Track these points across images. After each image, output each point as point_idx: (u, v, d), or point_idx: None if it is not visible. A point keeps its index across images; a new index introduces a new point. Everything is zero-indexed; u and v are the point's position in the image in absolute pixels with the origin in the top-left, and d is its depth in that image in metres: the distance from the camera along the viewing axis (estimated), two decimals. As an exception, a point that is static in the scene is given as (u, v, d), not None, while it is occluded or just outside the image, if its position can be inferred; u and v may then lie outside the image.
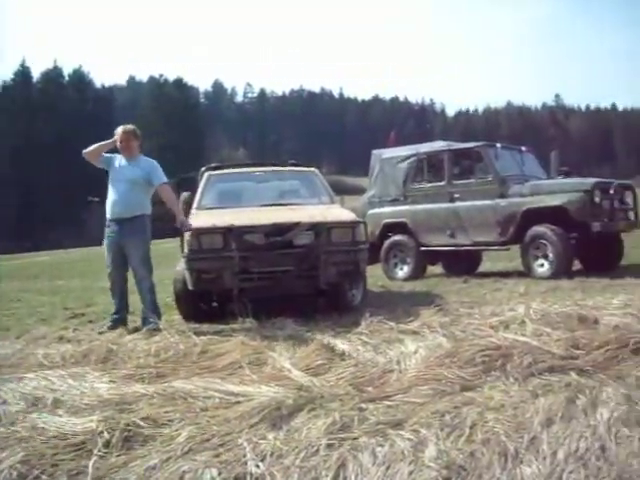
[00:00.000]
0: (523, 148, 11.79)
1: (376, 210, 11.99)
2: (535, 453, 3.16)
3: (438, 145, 12.00)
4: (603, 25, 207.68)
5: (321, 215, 7.33)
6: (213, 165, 9.29)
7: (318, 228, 7.05)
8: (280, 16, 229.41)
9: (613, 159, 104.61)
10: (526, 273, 10.07)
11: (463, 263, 12.02)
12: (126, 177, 6.87)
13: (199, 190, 8.36)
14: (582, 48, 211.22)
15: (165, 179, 6.97)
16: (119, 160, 7.01)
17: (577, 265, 10.80)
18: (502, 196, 10.44)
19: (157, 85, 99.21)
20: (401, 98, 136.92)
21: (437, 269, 12.48)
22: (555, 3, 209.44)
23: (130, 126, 7.03)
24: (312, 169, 9.08)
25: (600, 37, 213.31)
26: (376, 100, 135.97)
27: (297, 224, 7.02)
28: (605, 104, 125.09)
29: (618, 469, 2.93)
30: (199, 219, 7.34)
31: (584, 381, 4.14)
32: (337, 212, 7.72)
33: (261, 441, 3.34)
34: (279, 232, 6.98)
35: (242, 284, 6.93)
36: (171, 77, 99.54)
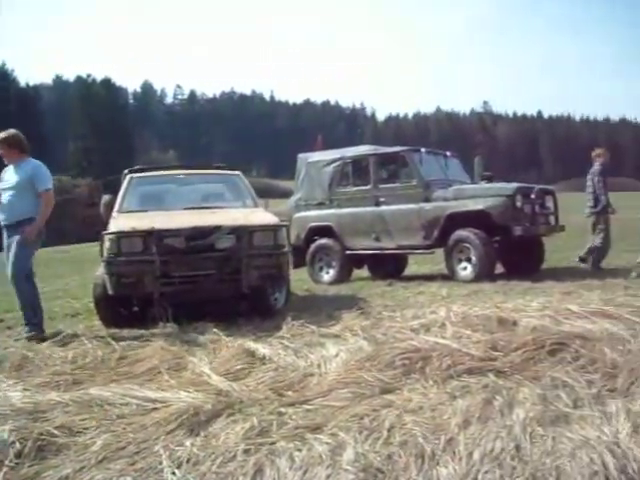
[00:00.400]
0: (448, 153, 11.94)
1: (302, 213, 11.96)
2: (452, 454, 3.18)
3: (363, 149, 12.05)
4: (529, 35, 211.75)
5: (243, 218, 7.29)
6: (136, 167, 9.14)
7: (240, 232, 7.00)
8: (210, 16, 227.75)
9: (539, 165, 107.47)
10: (450, 276, 10.19)
11: (389, 266, 12.11)
12: (10, 183, 6.70)
13: (120, 193, 8.22)
14: (509, 56, 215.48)
15: (48, 185, 6.76)
16: (9, 168, 6.86)
17: (500, 268, 10.99)
18: (426, 200, 10.53)
19: (84, 85, 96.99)
20: (332, 102, 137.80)
21: (363, 272, 12.53)
22: (483, 11, 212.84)
23: (2, 134, 6.83)
24: (236, 172, 9.01)
25: (526, 47, 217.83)
26: (307, 104, 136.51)
27: (218, 227, 6.96)
28: (532, 111, 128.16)
29: (532, 468, 2.99)
30: (119, 222, 7.22)
31: (502, 382, 4.20)
32: (260, 216, 7.69)
33: (178, 448, 3.30)
34: (200, 235, 6.91)
35: (163, 288, 6.84)
36: (99, 77, 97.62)
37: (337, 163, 11.67)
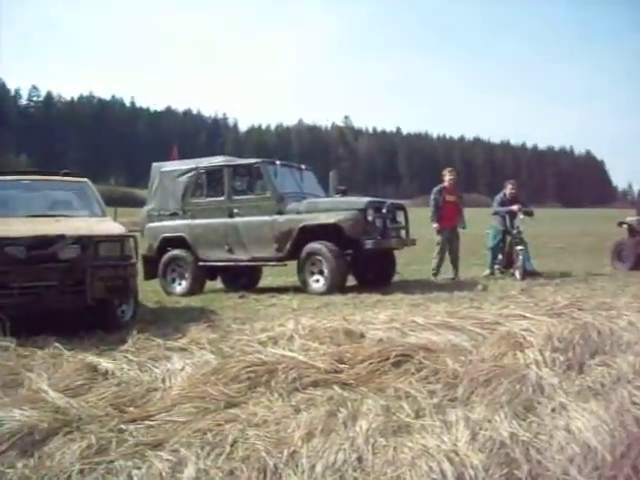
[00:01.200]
0: (302, 166, 12.03)
1: (155, 224, 11.70)
2: (294, 467, 3.16)
3: (218, 160, 11.92)
4: (389, 52, 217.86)
5: (89, 228, 7.04)
6: (-23, 172, 8.65)
7: (85, 241, 6.76)
8: (69, 15, 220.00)
9: (398, 179, 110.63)
10: (302, 289, 10.23)
11: (243, 278, 12.04)
12: None
13: (-40, 199, 7.76)
14: (370, 73, 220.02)
15: None
16: None
17: (353, 281, 11.16)
18: (280, 213, 10.55)
19: None
20: (194, 111, 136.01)
21: (217, 284, 12.40)
22: (345, 28, 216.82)
23: None
24: (84, 180, 8.70)
25: (386, 64, 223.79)
26: (169, 111, 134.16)
27: (62, 237, 6.68)
28: (391, 127, 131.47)
29: (373, 478, 3.05)
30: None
31: (346, 394, 4.23)
32: (106, 225, 7.47)
33: (8, 470, 3.14)
34: (43, 245, 6.61)
35: (1, 300, 6.46)
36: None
37: (191, 173, 11.50)
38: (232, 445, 3.42)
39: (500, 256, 12.25)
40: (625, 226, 14.05)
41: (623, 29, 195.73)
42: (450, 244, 12.00)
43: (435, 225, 11.97)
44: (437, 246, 11.99)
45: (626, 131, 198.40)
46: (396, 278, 11.56)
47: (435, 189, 12.26)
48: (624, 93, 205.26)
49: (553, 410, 4.32)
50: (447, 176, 12.21)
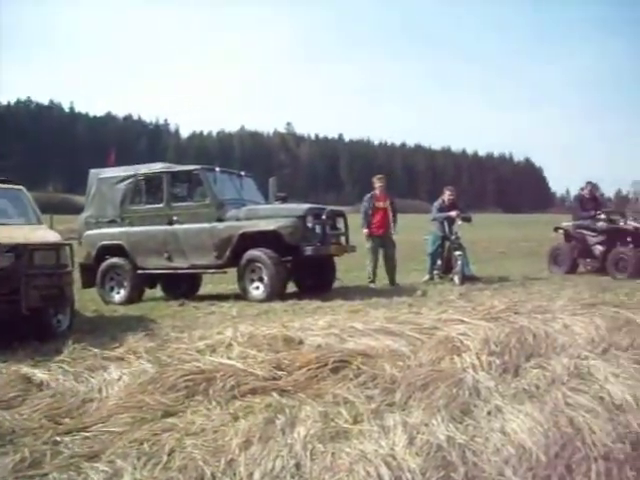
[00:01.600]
0: (242, 173, 11.97)
1: (93, 231, 11.49)
2: (232, 476, 3.16)
3: (157, 167, 11.78)
4: (334, 59, 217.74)
5: (23, 236, 6.88)
6: None
7: (19, 250, 6.60)
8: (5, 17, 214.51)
9: (339, 186, 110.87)
10: (243, 296, 10.17)
11: (182, 286, 11.90)
12: None
13: None
14: (313, 80, 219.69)
15: None
16: None
17: (293, 288, 11.16)
18: (219, 220, 10.47)
19: None
20: (135, 116, 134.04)
21: (157, 292, 12.26)
22: (285, 36, 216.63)
23: None
24: (19, 187, 8.49)
25: (327, 72, 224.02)
26: (109, 117, 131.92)
27: None
28: (333, 134, 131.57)
29: (311, 484, 3.01)
30: None
31: (285, 401, 4.23)
32: (41, 233, 7.32)
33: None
34: (-25, 253, 6.44)
35: None
36: None
37: (129, 180, 11.34)
38: (169, 455, 3.40)
39: (439, 261, 12.38)
40: (561, 231, 14.35)
41: (568, 41, 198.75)
42: (385, 251, 12.11)
43: (365, 231, 12.07)
44: (369, 253, 12.07)
45: (564, 138, 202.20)
46: (336, 284, 11.59)
47: (366, 197, 12.42)
48: (562, 102, 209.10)
49: (489, 413, 4.38)
50: (376, 183, 12.35)
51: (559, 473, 4.05)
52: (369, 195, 12.35)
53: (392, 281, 11.97)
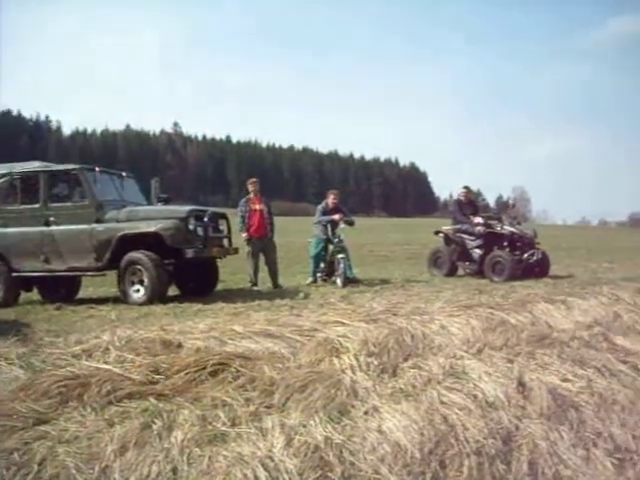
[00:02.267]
0: (124, 173, 11.72)
1: (-36, 233, 10.98)
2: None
3: (33, 165, 11.39)
4: (220, 59, 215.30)
5: None
6: None
7: None
8: None
9: (227, 187, 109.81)
10: (123, 299, 9.95)
11: (60, 289, 11.54)
12: None
13: None
14: (202, 77, 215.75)
15: None
16: None
17: (176, 290, 11.02)
18: (99, 221, 10.22)
19: None
20: (14, 112, 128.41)
21: (35, 295, 11.83)
22: (172, 33, 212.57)
23: None
24: None
25: (215, 70, 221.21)
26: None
27: None
28: (221, 135, 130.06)
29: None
30: None
31: (162, 405, 4.17)
32: None
33: None
34: None
35: None
36: None
37: (4, 179, 10.91)
38: (40, 464, 3.32)
39: (322, 264, 12.51)
40: (441, 235, 14.73)
41: (444, 51, 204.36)
42: (265, 255, 12.16)
43: (244, 235, 12.11)
44: (248, 256, 12.09)
45: (448, 143, 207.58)
46: (220, 287, 11.53)
47: (241, 201, 12.54)
48: (446, 107, 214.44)
49: (366, 412, 4.46)
50: (250, 187, 12.46)
51: (433, 469, 4.18)
52: (244, 199, 12.47)
53: (275, 284, 12.00)
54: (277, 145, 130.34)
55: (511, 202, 77.70)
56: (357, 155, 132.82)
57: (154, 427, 3.81)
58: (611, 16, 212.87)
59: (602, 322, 8.26)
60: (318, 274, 12.56)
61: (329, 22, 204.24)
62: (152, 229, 9.91)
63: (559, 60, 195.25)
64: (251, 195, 12.38)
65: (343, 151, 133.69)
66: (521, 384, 5.61)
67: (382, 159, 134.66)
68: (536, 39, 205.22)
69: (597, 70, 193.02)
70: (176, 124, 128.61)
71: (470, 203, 14.68)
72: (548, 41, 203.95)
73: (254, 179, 12.75)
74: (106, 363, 4.93)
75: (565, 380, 6.07)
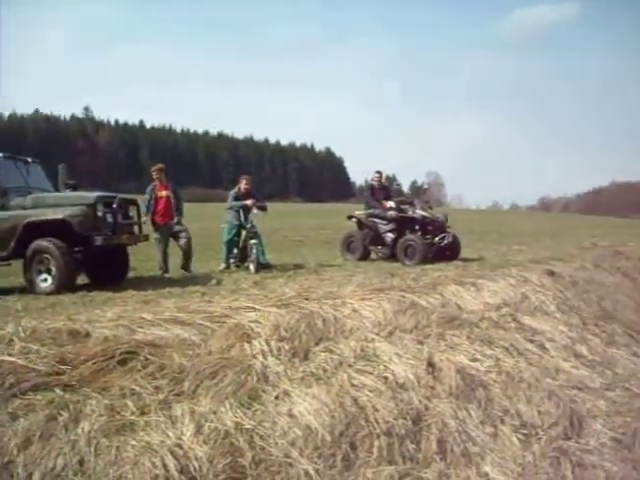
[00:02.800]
0: (29, 159, 11.35)
1: None
2: (9, 477, 3.02)
3: None
4: (134, 42, 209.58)
5: None
6: None
7: None
8: None
9: (141, 174, 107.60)
10: (29, 289, 9.65)
11: (-36, 280, 11.13)
12: None
13: None
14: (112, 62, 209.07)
15: None
16: None
17: (85, 279, 10.77)
18: (3, 208, 9.87)
19: None
20: None
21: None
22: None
23: None
24: None
25: (132, 54, 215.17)
26: None
27: None
28: (134, 120, 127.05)
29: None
30: None
31: (68, 396, 4.09)
32: None
33: None
34: None
35: None
36: None
37: None
38: None
39: (235, 250, 12.44)
40: (354, 220, 14.83)
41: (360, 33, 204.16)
42: (177, 240, 12.02)
43: (144, 219, 11.80)
44: (156, 243, 11.92)
45: (363, 129, 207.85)
46: (131, 275, 11.33)
47: (148, 187, 12.34)
48: (361, 91, 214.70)
49: (277, 397, 4.48)
50: (154, 174, 12.29)
51: (344, 451, 4.23)
52: (150, 186, 12.26)
53: (187, 270, 11.86)
54: (192, 130, 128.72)
55: (425, 186, 78.93)
56: (273, 140, 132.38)
57: (60, 419, 3.74)
58: (518, 7, 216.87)
59: (510, 303, 8.52)
60: (231, 260, 12.49)
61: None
62: (59, 216, 9.60)
63: (476, 49, 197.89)
64: (157, 182, 12.20)
65: (258, 136, 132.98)
66: (431, 365, 5.73)
67: (298, 144, 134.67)
68: (454, 27, 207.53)
69: (507, 58, 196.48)
70: (87, 109, 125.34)
71: (383, 188, 14.81)
72: (465, 29, 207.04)
73: (159, 166, 12.50)
74: (10, 355, 4.77)
75: (474, 360, 6.24)
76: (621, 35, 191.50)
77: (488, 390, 5.79)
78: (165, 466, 3.41)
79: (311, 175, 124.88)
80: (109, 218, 10.08)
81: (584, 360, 7.38)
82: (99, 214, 9.77)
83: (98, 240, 9.66)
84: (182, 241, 11.98)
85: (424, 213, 13.67)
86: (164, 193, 12.06)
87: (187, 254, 11.96)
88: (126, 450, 3.48)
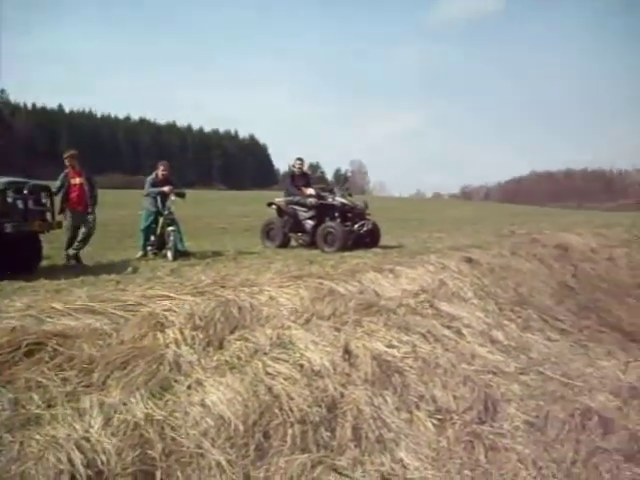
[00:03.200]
0: None
1: None
2: None
3: None
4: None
5: None
6: None
7: None
8: None
9: (60, 160, 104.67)
10: None
11: None
12: None
13: None
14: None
15: None
16: None
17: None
18: None
19: None
20: None
21: None
22: None
23: None
24: None
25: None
26: None
27: None
28: (52, 104, 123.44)
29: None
30: None
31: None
32: None
33: None
34: None
35: None
36: None
37: None
38: None
39: (153, 237, 12.23)
40: (274, 207, 14.77)
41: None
42: (85, 227, 11.68)
43: (62, 208, 11.59)
44: (65, 230, 11.59)
45: (286, 116, 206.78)
46: (44, 263, 11.01)
47: (61, 174, 11.98)
48: (291, 80, 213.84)
49: (189, 387, 4.42)
50: (66, 162, 11.94)
51: (257, 440, 4.20)
52: (63, 173, 11.92)
53: (74, 255, 11.49)
54: (113, 115, 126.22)
55: (348, 174, 79.52)
56: (196, 127, 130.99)
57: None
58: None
59: (428, 289, 8.61)
60: (148, 247, 12.27)
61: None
62: (-34, 202, 9.27)
63: (409, 39, 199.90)
64: (69, 169, 11.86)
65: (181, 123, 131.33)
66: (347, 352, 5.75)
67: (222, 130, 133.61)
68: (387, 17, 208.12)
69: (437, 50, 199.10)
70: (2, 91, 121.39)
71: (303, 175, 14.76)
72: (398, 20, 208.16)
73: (70, 152, 12.13)
74: None
75: (390, 346, 6.28)
76: (541, 30, 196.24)
77: (404, 376, 5.83)
78: (71, 461, 3.32)
79: (234, 162, 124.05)
80: (20, 204, 9.75)
81: (500, 345, 7.50)
82: (9, 200, 9.45)
83: (8, 227, 9.33)
84: (85, 229, 11.63)
85: (344, 200, 13.70)
86: (77, 180, 11.72)
87: (83, 240, 11.60)
88: (30, 445, 3.37)
